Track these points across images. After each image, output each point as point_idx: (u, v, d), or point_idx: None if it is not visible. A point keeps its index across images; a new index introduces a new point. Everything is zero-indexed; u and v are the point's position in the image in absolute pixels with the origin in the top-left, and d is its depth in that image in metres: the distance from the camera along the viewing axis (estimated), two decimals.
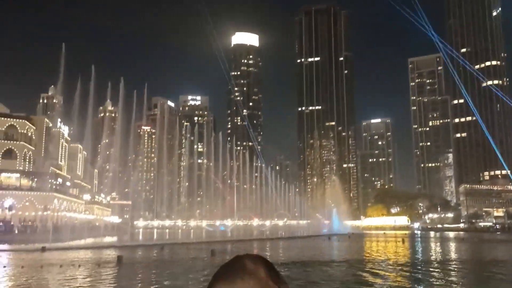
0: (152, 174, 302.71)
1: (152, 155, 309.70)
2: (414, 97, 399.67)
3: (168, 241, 75.13)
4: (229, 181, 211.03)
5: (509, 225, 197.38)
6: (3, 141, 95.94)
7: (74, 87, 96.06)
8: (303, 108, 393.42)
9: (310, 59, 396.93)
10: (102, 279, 27.24)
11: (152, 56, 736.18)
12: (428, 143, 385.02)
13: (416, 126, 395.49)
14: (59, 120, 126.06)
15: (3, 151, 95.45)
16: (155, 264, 37.26)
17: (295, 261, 39.52)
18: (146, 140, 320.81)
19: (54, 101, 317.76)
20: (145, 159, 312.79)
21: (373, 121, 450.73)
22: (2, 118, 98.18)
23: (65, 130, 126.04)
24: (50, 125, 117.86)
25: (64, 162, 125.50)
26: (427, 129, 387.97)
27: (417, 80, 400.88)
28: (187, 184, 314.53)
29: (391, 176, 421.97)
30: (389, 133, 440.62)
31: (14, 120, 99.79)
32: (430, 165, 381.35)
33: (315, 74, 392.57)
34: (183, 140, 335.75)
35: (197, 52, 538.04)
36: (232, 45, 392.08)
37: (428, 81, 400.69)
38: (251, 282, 1.52)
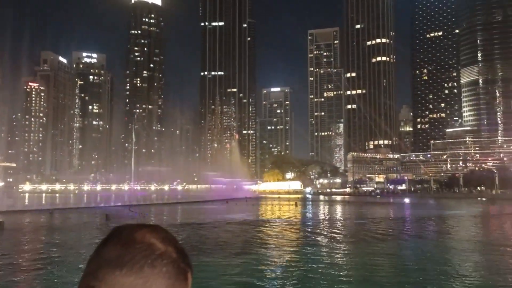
0: (41, 135, 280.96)
1: (41, 114, 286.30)
2: (312, 68, 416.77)
3: (58, 206, 71.45)
4: (126, 145, 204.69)
5: (388, 189, 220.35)
6: None
7: None
8: (206, 73, 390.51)
9: (214, 23, 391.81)
10: None
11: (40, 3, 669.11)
12: (322, 113, 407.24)
13: (312, 96, 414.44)
14: None
15: None
16: (42, 230, 35.59)
17: (189, 223, 40.49)
18: (34, 98, 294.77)
19: None
20: (32, 119, 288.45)
21: (273, 89, 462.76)
22: None
23: None
24: None
25: None
26: (322, 99, 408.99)
27: (315, 52, 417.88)
28: (80, 146, 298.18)
29: (287, 143, 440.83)
30: (288, 102, 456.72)
31: None
32: (323, 133, 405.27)
33: (218, 39, 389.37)
34: (77, 100, 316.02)
35: (92, 5, 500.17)
36: (133, 1, 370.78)
37: (325, 53, 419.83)
38: (164, 270, 1.05)
